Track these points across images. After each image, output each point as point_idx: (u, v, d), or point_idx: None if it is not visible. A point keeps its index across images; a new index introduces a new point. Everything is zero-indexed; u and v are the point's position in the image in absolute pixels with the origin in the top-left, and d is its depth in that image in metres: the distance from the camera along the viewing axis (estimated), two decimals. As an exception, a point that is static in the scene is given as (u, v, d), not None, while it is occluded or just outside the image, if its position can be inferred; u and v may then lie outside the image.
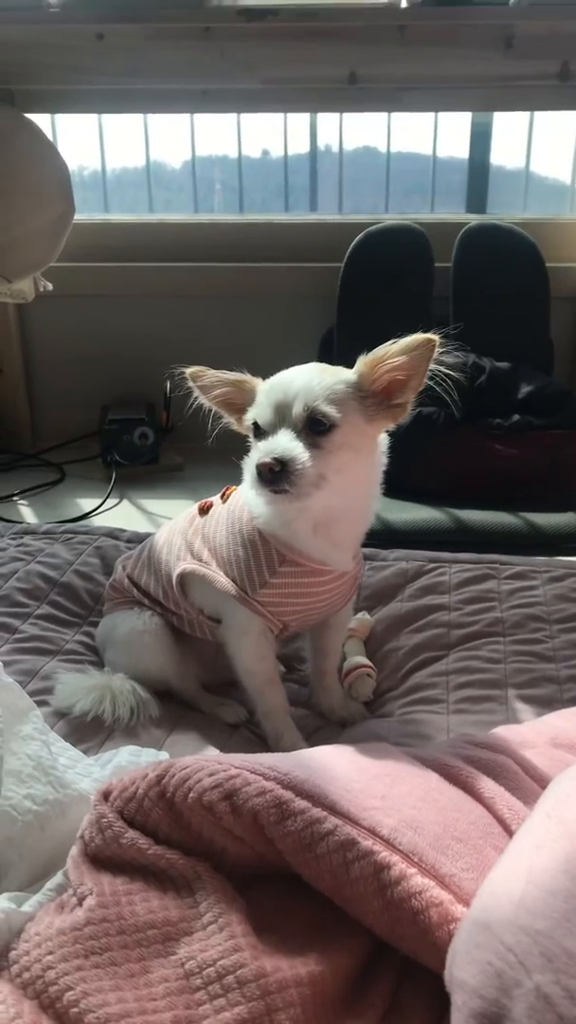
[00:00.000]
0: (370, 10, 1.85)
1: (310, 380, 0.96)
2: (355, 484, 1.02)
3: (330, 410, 0.94)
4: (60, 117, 2.38)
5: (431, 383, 0.97)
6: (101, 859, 0.72)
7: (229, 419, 1.07)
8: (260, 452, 0.94)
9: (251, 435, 1.00)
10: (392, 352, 0.96)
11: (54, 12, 1.86)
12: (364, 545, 1.14)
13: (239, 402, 1.04)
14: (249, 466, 0.96)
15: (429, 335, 0.94)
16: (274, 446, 0.93)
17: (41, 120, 1.90)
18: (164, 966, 0.63)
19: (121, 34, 1.89)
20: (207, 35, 1.88)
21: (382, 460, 1.05)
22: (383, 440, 1.05)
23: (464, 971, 0.51)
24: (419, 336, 0.95)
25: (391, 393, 0.98)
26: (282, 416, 0.95)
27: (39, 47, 1.93)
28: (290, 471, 0.92)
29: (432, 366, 0.95)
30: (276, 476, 0.92)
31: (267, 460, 0.92)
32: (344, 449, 0.95)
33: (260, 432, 0.98)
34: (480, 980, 0.49)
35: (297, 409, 0.94)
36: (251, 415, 0.99)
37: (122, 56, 1.94)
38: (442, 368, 0.96)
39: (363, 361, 0.98)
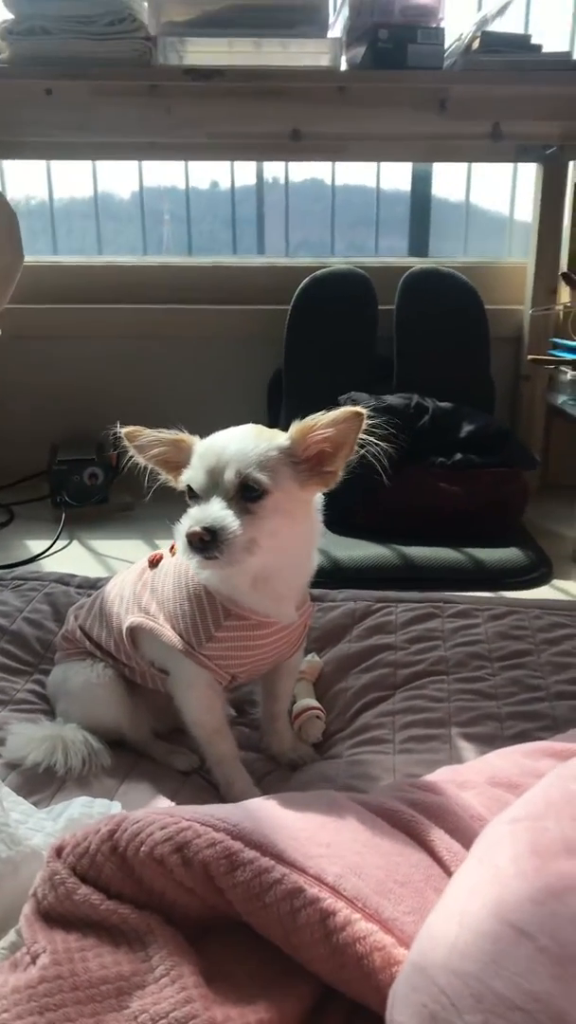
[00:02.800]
0: (312, 72, 1.93)
1: (244, 446, 0.97)
2: (290, 545, 1.03)
3: (262, 477, 0.95)
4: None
5: (363, 449, 0.98)
6: (54, 916, 0.73)
7: (167, 476, 1.08)
8: (191, 520, 0.95)
9: (186, 496, 1.01)
10: (321, 424, 0.98)
11: (2, 67, 1.90)
12: (313, 585, 1.16)
13: (176, 460, 1.04)
14: (180, 533, 0.98)
15: (357, 408, 0.97)
16: (204, 515, 0.94)
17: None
18: (118, 1020, 0.65)
19: (68, 90, 1.93)
20: (154, 92, 1.94)
21: (318, 518, 1.08)
22: (318, 500, 1.07)
23: (402, 1014, 0.54)
24: (347, 409, 0.97)
25: (322, 461, 1.00)
26: (215, 481, 0.97)
27: (-13, 100, 1.97)
28: (220, 540, 0.93)
29: (363, 436, 0.97)
30: (206, 544, 0.94)
31: (197, 529, 0.93)
32: (276, 514, 0.97)
33: (194, 495, 0.99)
34: (416, 1022, 0.52)
35: (229, 475, 0.96)
36: (185, 478, 1.00)
37: (70, 111, 1.98)
38: (372, 439, 0.97)
39: (295, 427, 1.00)
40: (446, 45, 1.98)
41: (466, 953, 0.53)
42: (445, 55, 1.97)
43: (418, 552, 1.97)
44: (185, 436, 1.05)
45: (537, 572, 1.95)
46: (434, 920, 0.59)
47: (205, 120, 2.00)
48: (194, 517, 0.95)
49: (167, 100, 1.94)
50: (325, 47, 1.93)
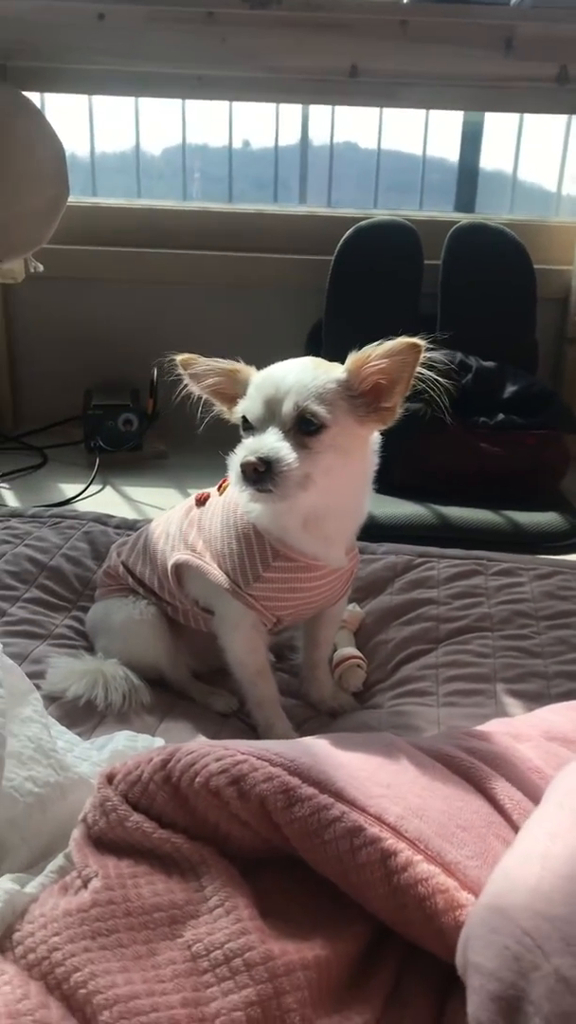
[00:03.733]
0: (374, 4, 1.85)
1: (302, 377, 0.94)
2: (344, 484, 1.00)
3: (321, 410, 0.92)
4: (49, 97, 2.35)
5: (421, 383, 0.94)
6: (105, 842, 0.72)
7: (220, 408, 1.04)
8: (246, 450, 0.92)
9: (240, 428, 0.98)
10: (377, 354, 0.94)
11: (55, -11, 1.84)
12: (355, 538, 1.13)
13: (231, 392, 1.01)
14: (234, 464, 0.94)
15: (414, 340, 0.92)
16: (260, 445, 0.91)
17: (32, 99, 1.87)
18: (171, 948, 0.63)
19: (122, 15, 1.87)
20: (210, 20, 1.87)
21: (374, 460, 1.04)
22: (375, 439, 1.03)
23: (480, 955, 0.52)
24: (404, 340, 0.92)
25: (379, 395, 0.96)
26: (272, 412, 0.93)
27: (38, 24, 1.90)
28: (275, 472, 0.90)
29: (420, 370, 0.93)
30: (260, 476, 0.91)
31: (252, 459, 0.90)
32: (333, 450, 0.94)
33: (249, 426, 0.96)
34: (497, 964, 0.50)
35: (287, 407, 0.92)
36: (240, 408, 0.97)
37: (122, 37, 1.91)
38: (430, 373, 0.93)
39: (351, 359, 0.96)
40: (515, -19, 1.89)
41: (552, 897, 0.51)
42: (514, -9, 1.89)
43: (455, 512, 1.94)
44: (241, 366, 1.02)
45: (576, 538, 1.92)
46: (511, 863, 0.57)
47: (261, 51, 1.92)
48: (249, 447, 0.92)
49: (223, 28, 1.87)
50: (387, -22, 1.86)
